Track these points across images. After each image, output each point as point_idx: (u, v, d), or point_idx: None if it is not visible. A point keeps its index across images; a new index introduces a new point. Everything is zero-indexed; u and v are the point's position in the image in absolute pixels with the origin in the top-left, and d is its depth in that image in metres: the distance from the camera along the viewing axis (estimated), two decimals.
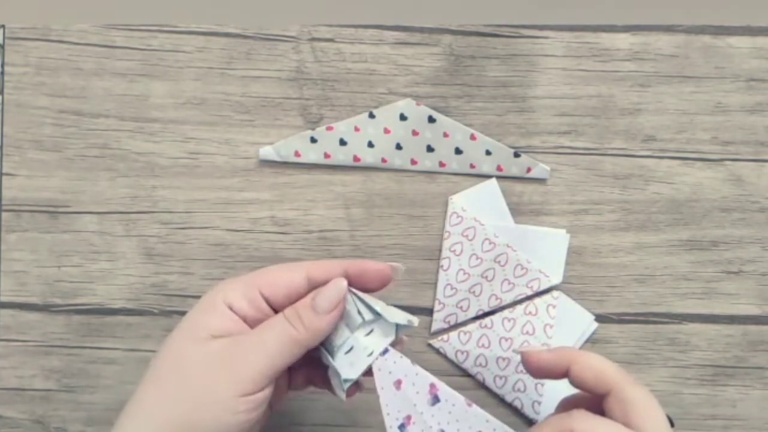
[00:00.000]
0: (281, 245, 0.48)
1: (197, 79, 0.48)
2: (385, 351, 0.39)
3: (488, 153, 0.47)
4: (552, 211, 0.48)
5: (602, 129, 0.48)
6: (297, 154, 0.48)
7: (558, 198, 0.48)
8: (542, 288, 0.48)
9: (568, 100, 0.48)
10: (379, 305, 0.39)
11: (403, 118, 0.47)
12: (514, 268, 0.48)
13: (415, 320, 0.39)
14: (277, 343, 0.37)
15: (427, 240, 0.48)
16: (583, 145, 0.48)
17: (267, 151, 0.48)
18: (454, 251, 0.48)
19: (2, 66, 0.48)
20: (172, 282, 0.48)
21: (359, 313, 0.39)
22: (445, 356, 0.48)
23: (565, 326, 0.48)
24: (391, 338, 0.39)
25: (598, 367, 0.38)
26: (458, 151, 0.48)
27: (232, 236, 0.48)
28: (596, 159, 0.48)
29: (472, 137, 0.47)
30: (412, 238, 0.48)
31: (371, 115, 0.47)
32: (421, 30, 0.48)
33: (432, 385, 0.39)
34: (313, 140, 0.47)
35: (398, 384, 0.39)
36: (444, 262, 0.48)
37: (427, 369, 0.48)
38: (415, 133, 0.47)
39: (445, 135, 0.47)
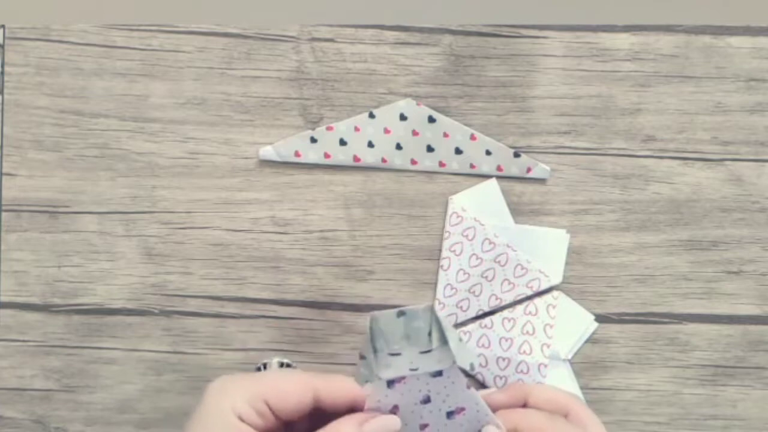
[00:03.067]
0: (281, 245, 0.48)
1: (197, 79, 0.48)
2: (439, 373, 0.37)
3: (488, 153, 0.47)
4: (552, 211, 0.48)
5: (602, 129, 0.48)
6: (297, 154, 0.48)
7: (558, 198, 0.48)
8: (542, 288, 0.48)
9: (568, 100, 0.48)
10: (453, 340, 0.37)
11: (403, 118, 0.47)
12: (514, 268, 0.48)
13: (477, 365, 0.39)
14: None
15: (427, 240, 0.48)
16: (583, 145, 0.48)
17: (267, 151, 0.48)
18: (454, 251, 0.48)
19: (2, 66, 0.48)
20: (172, 282, 0.48)
21: (429, 334, 0.37)
22: None
23: (565, 326, 0.48)
24: (443, 368, 0.37)
25: (553, 397, 0.41)
26: (458, 151, 0.48)
27: (232, 236, 0.48)
28: (596, 159, 0.48)
29: (472, 137, 0.47)
30: (412, 238, 0.48)
31: (371, 115, 0.47)
32: (421, 30, 0.48)
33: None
34: (313, 140, 0.47)
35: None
36: (444, 262, 0.48)
37: None
38: (415, 133, 0.47)
39: (445, 135, 0.47)
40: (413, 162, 0.48)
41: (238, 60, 0.48)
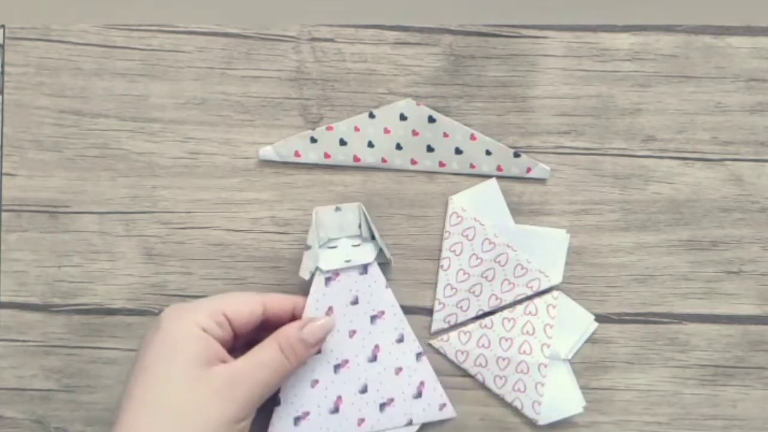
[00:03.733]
0: (281, 245, 0.48)
1: (197, 79, 0.48)
2: (366, 267, 0.46)
3: (488, 153, 0.47)
4: (552, 211, 0.48)
5: (602, 129, 0.48)
6: (297, 154, 0.48)
7: (558, 198, 0.48)
8: (542, 288, 0.48)
9: (568, 100, 0.48)
10: (377, 233, 0.46)
11: (403, 118, 0.47)
12: (514, 268, 0.48)
13: (391, 260, 0.47)
14: (272, 372, 0.41)
15: (427, 240, 0.48)
16: (583, 145, 0.48)
17: (267, 151, 0.48)
18: (454, 251, 0.48)
19: (2, 66, 0.48)
20: (172, 282, 0.48)
21: (360, 226, 0.46)
22: (445, 356, 0.48)
23: (565, 326, 0.48)
24: (369, 261, 0.46)
25: None
26: (458, 151, 0.48)
27: (232, 236, 0.48)
28: (596, 159, 0.48)
29: (472, 137, 0.47)
30: (412, 238, 0.48)
31: (371, 115, 0.47)
32: (421, 30, 0.48)
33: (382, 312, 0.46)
34: (313, 140, 0.47)
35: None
36: (444, 262, 0.48)
37: None
38: (415, 133, 0.47)
39: (445, 135, 0.47)
40: (413, 162, 0.48)
41: (238, 60, 0.48)
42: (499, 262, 0.48)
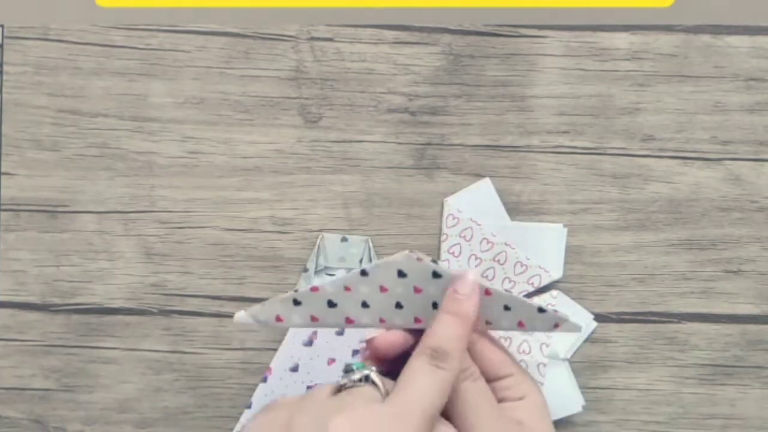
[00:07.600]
0: (281, 245, 0.48)
1: (196, 78, 0.48)
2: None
3: (507, 308, 0.40)
4: (551, 210, 0.48)
5: (601, 128, 0.48)
6: (279, 318, 0.39)
7: (557, 197, 0.48)
8: (543, 284, 0.48)
9: (567, 100, 0.48)
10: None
11: (401, 275, 0.39)
12: (514, 265, 0.48)
13: None
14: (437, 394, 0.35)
15: (426, 240, 0.48)
16: (582, 145, 0.48)
17: (241, 316, 0.39)
18: (453, 253, 0.48)
19: (1, 65, 0.48)
20: (172, 282, 0.48)
21: (360, 261, 0.47)
22: None
23: None
24: None
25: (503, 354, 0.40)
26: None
27: (231, 236, 0.48)
28: (595, 158, 0.48)
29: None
30: (411, 238, 0.48)
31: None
32: (421, 30, 0.48)
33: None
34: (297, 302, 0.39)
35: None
36: (443, 265, 0.48)
37: None
38: (417, 290, 0.39)
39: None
40: (417, 320, 0.40)
41: (237, 59, 0.48)
42: (498, 261, 0.48)
